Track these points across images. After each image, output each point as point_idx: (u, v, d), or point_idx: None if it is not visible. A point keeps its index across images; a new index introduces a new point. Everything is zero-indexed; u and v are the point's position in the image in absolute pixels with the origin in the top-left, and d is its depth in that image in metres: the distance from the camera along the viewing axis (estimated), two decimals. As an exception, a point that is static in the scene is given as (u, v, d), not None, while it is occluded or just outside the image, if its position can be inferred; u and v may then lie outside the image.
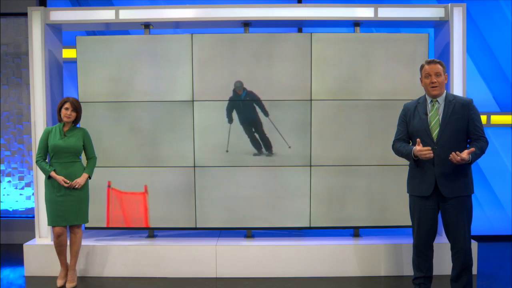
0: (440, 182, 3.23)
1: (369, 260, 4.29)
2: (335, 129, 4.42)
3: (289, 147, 4.36)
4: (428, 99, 3.33)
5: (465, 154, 3.10)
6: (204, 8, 4.46)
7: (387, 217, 4.46)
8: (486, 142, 3.24)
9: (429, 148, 3.17)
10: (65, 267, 4.02)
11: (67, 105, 3.91)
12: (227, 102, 4.40)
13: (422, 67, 3.34)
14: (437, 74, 3.25)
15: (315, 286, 4.10)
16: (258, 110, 4.40)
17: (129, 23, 4.49)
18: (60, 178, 3.84)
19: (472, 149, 3.14)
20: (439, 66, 3.26)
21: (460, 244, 3.25)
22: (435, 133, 3.25)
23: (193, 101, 4.42)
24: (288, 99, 4.40)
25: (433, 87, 3.26)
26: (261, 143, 4.42)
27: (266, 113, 4.38)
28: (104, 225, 4.49)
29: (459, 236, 3.25)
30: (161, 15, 4.43)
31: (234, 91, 4.35)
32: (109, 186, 4.37)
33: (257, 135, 4.41)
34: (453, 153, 3.11)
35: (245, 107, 4.40)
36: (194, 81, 4.41)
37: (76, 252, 4.01)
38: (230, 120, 4.38)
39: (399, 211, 4.40)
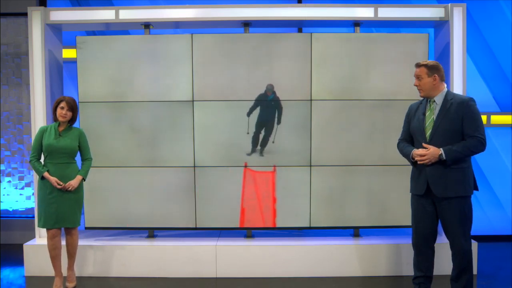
0: (431, 182, 3.23)
1: (369, 260, 4.29)
2: (335, 129, 4.42)
3: (273, 142, 4.42)
4: (428, 100, 3.34)
5: (425, 150, 3.18)
6: (204, 8, 4.46)
7: (387, 217, 4.46)
8: (479, 141, 3.17)
9: (424, 153, 3.20)
10: (60, 277, 3.91)
11: (62, 104, 3.80)
12: (227, 102, 4.41)
13: None
14: (418, 77, 3.30)
15: (315, 286, 4.10)
16: (276, 115, 4.41)
17: (129, 23, 4.49)
18: (53, 180, 3.74)
19: (437, 149, 3.17)
20: (421, 68, 3.29)
21: (458, 244, 3.26)
22: (428, 133, 3.26)
23: (193, 101, 4.42)
24: (288, 99, 4.40)
25: (418, 89, 3.32)
26: (260, 143, 4.43)
27: (279, 121, 4.40)
28: (239, 202, 4.47)
29: (456, 237, 3.25)
30: (161, 15, 4.44)
31: (265, 91, 4.37)
32: (245, 166, 4.39)
33: (261, 136, 4.42)
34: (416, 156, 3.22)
35: (267, 108, 4.41)
36: (194, 81, 4.41)
37: (73, 253, 3.96)
38: (249, 114, 4.40)
39: (399, 211, 4.40)
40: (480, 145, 3.19)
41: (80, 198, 3.90)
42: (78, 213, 3.91)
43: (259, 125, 4.43)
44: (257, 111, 4.42)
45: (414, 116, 3.39)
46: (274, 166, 4.44)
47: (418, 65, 3.32)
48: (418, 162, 3.24)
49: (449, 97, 3.28)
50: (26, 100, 5.49)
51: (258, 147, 4.44)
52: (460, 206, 3.23)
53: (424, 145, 3.23)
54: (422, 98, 3.41)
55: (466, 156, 3.21)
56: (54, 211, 3.77)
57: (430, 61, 3.33)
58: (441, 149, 3.17)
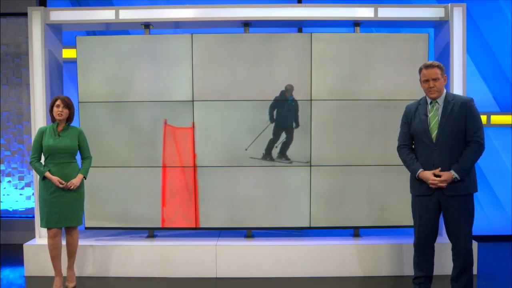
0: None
1: (369, 260, 4.29)
2: (335, 129, 4.42)
3: (246, 149, 4.42)
4: (428, 100, 3.34)
5: (443, 177, 3.20)
6: (204, 8, 4.46)
7: (387, 217, 4.46)
8: (480, 146, 3.23)
9: (439, 181, 3.21)
10: (60, 276, 3.91)
11: (58, 102, 3.79)
12: (227, 102, 4.41)
13: (420, 70, 3.34)
14: (435, 79, 3.26)
15: (315, 286, 4.10)
16: (294, 117, 4.42)
17: (129, 23, 4.49)
18: (55, 179, 3.75)
19: (449, 173, 3.20)
20: (436, 70, 3.26)
21: (461, 243, 3.26)
22: (434, 134, 3.26)
23: (193, 101, 4.42)
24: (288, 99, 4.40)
25: (431, 91, 3.28)
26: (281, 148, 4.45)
27: (297, 124, 4.40)
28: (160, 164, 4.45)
29: (460, 236, 3.26)
30: (161, 15, 4.44)
31: (283, 92, 4.36)
32: (165, 123, 4.37)
33: (284, 139, 4.43)
34: (431, 180, 3.22)
35: (288, 110, 4.40)
36: (194, 81, 4.41)
37: (74, 253, 3.96)
38: (272, 120, 4.40)
39: (399, 211, 4.40)
40: (481, 149, 3.25)
41: (81, 197, 3.92)
42: (80, 212, 3.93)
43: (278, 129, 4.42)
44: (275, 115, 4.42)
45: (414, 117, 3.37)
46: (193, 122, 4.36)
47: (433, 66, 3.27)
48: (431, 186, 3.25)
49: (450, 98, 3.29)
50: (26, 100, 5.49)
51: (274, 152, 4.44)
52: (466, 204, 3.26)
53: (436, 172, 3.23)
54: (419, 99, 3.42)
55: (474, 164, 3.27)
56: (57, 210, 3.78)
57: (438, 62, 3.34)
58: (452, 171, 3.20)
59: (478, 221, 4.99)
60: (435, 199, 3.29)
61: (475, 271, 4.12)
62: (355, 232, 4.56)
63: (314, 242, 4.41)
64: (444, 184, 3.21)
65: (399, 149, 3.49)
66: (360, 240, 4.45)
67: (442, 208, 3.31)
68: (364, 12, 4.42)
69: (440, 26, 4.55)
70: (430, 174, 3.24)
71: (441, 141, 3.24)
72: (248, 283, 4.17)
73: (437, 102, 3.30)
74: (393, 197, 4.43)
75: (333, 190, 4.45)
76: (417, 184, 3.36)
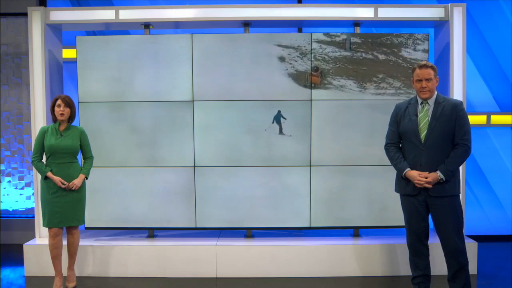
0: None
1: (369, 260, 4.29)
2: (335, 129, 4.42)
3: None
4: (419, 101, 3.36)
5: (429, 179, 3.22)
6: (204, 8, 4.46)
7: (387, 217, 4.46)
8: (466, 149, 3.25)
9: (426, 182, 3.23)
10: (60, 276, 3.91)
11: (58, 101, 3.79)
12: (227, 102, 4.41)
13: (413, 70, 3.36)
14: (428, 79, 3.27)
15: (315, 286, 4.10)
16: None
17: (129, 23, 4.49)
18: (57, 179, 3.75)
19: (435, 174, 3.22)
20: (430, 71, 3.28)
21: (451, 243, 3.28)
22: (423, 135, 3.28)
23: (193, 101, 4.42)
24: (288, 99, 4.40)
25: (423, 91, 3.30)
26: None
27: None
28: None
29: (449, 236, 3.28)
30: (161, 15, 4.44)
31: None
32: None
33: None
34: (417, 180, 3.24)
35: None
36: (194, 81, 4.41)
37: (74, 253, 3.96)
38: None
39: (399, 211, 4.34)
40: (468, 153, 3.29)
41: (83, 197, 3.92)
42: (82, 212, 3.93)
43: None
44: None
45: (403, 116, 3.39)
46: None
47: (426, 66, 3.29)
48: (417, 185, 3.28)
49: (440, 100, 3.32)
50: (26, 100, 5.49)
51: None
52: (453, 205, 3.29)
53: (421, 174, 3.26)
54: (409, 98, 3.46)
55: (459, 166, 3.30)
56: (58, 210, 3.78)
57: (431, 63, 3.36)
58: (438, 172, 3.22)
59: (478, 221, 5.01)
60: (422, 199, 3.33)
61: (475, 271, 4.12)
62: (355, 232, 4.56)
63: (314, 242, 4.41)
64: (429, 185, 3.23)
65: (387, 147, 3.52)
66: (360, 240, 4.45)
67: (429, 209, 3.34)
68: (364, 12, 4.42)
69: (440, 26, 4.55)
70: (417, 174, 3.27)
71: (430, 142, 3.26)
72: (248, 283, 4.17)
73: (427, 103, 3.32)
74: (393, 197, 4.39)
75: (333, 190, 4.45)
76: (403, 183, 3.40)
